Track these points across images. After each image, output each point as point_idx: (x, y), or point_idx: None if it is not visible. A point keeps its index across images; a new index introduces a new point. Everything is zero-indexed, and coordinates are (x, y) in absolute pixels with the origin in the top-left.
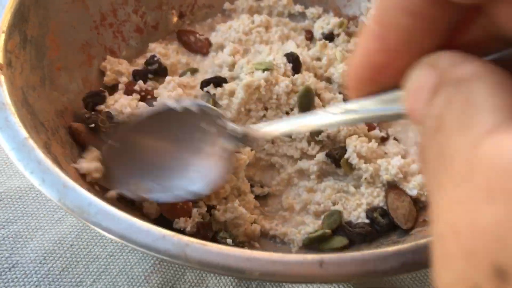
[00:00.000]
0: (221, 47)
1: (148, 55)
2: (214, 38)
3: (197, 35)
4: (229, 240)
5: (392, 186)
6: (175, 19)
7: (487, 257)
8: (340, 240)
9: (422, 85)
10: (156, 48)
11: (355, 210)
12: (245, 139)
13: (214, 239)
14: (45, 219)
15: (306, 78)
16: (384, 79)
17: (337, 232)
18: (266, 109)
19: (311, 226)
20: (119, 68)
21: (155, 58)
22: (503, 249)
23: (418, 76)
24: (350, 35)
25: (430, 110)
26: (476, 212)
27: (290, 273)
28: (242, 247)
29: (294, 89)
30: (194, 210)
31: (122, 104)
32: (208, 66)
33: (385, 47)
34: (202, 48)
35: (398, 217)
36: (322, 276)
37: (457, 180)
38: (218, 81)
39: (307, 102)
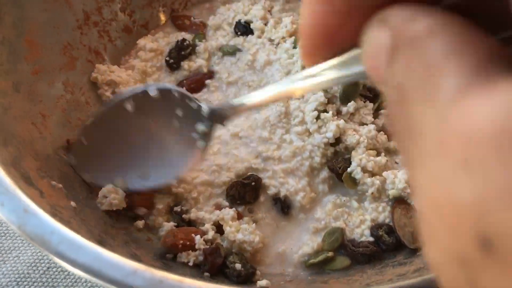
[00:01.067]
0: (218, 28)
1: (139, 52)
2: (212, 20)
3: (192, 18)
4: (238, 265)
5: (399, 201)
6: (166, 17)
7: (471, 229)
8: (342, 261)
9: (378, 47)
10: (147, 45)
11: (359, 227)
12: (217, 118)
13: (224, 265)
14: (20, 238)
15: None
16: (339, 42)
17: (339, 251)
18: None
19: (309, 244)
20: (112, 77)
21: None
22: (485, 218)
23: (372, 37)
24: None
25: (390, 79)
26: (454, 185)
27: None
28: (253, 273)
29: None
30: (197, 238)
31: None
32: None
33: (332, 8)
34: (197, 31)
35: (406, 235)
36: None
37: (431, 155)
38: None
39: None
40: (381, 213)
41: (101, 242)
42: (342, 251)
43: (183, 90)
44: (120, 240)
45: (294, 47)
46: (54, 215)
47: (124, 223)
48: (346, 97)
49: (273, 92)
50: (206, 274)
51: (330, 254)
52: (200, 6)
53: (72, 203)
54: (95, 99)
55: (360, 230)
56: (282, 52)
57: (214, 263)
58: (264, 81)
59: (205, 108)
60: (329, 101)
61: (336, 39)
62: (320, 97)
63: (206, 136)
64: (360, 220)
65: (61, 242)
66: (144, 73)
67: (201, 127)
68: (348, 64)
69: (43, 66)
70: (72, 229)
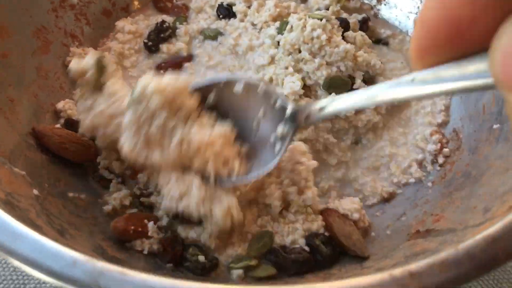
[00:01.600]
0: (201, 11)
1: (117, 34)
2: (195, 3)
3: (174, 1)
4: (201, 257)
5: (327, 210)
6: None
7: None
8: (265, 269)
9: None
10: (125, 27)
11: (291, 234)
12: (302, 120)
13: (183, 258)
14: None
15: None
16: (466, 41)
17: (267, 257)
18: None
19: (239, 249)
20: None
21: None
22: None
23: None
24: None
25: None
26: None
27: None
28: (216, 264)
29: None
30: (150, 225)
31: None
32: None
33: None
34: (179, 13)
35: (356, 244)
36: None
37: None
38: None
39: None
40: (313, 222)
41: (61, 232)
42: (271, 257)
43: (271, 86)
44: (86, 230)
45: (280, 33)
46: (7, 202)
47: (92, 212)
48: (329, 86)
49: (371, 97)
50: (169, 265)
51: (253, 262)
52: None
53: (35, 191)
54: (70, 84)
55: (292, 238)
56: (265, 37)
57: (175, 253)
58: (245, 67)
59: (290, 108)
60: (311, 88)
61: (465, 36)
62: (296, 85)
63: (284, 140)
64: (290, 228)
65: (0, 231)
66: (121, 55)
67: (281, 129)
68: (468, 70)
69: (12, 50)
70: (27, 217)
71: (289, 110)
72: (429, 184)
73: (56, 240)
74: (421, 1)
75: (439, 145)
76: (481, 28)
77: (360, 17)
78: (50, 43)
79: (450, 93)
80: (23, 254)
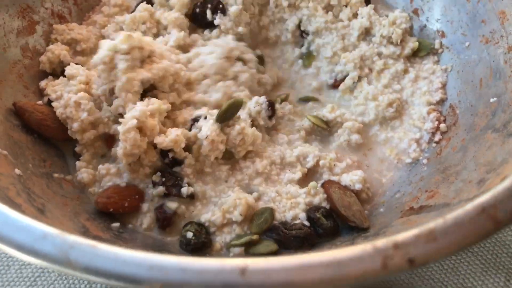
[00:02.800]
0: None
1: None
2: None
3: None
4: (189, 233)
5: (328, 182)
6: None
7: None
8: (266, 245)
9: None
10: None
11: (292, 209)
12: None
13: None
14: None
15: None
16: None
17: (268, 234)
18: None
19: (237, 229)
20: (72, 35)
21: None
22: None
23: None
24: None
25: None
26: None
27: (204, 284)
28: (205, 243)
29: None
30: (145, 206)
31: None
32: None
33: None
34: None
35: (356, 215)
36: (245, 286)
37: None
38: None
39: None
40: (315, 196)
41: (41, 211)
42: (272, 234)
43: None
44: (69, 210)
45: None
46: None
47: (79, 193)
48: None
49: None
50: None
51: (255, 237)
52: None
53: (17, 171)
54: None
55: (293, 213)
56: None
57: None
58: None
59: None
60: None
61: None
62: None
63: None
64: (292, 203)
65: None
66: (105, 28)
67: None
68: None
69: None
70: (6, 195)
71: None
72: (424, 161)
73: (35, 218)
74: None
75: (436, 123)
76: None
77: None
78: (36, 23)
79: None
80: None
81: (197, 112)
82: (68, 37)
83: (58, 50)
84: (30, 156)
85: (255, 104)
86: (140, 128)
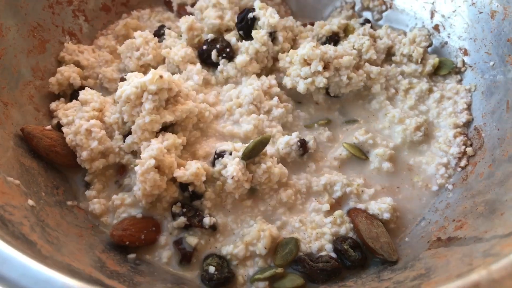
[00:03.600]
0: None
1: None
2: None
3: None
4: (211, 268)
5: (354, 210)
6: None
7: None
8: (292, 279)
9: None
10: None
11: (317, 240)
12: None
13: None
14: None
15: None
16: None
17: (293, 267)
18: None
19: (260, 261)
20: (80, 58)
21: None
22: None
23: None
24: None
25: None
26: None
27: None
28: (228, 278)
29: None
30: (162, 239)
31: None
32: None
33: None
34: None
35: (383, 247)
36: None
37: None
38: None
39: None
40: (341, 225)
41: (57, 247)
42: (297, 267)
43: None
44: (84, 243)
45: None
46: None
47: (92, 221)
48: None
49: None
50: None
51: (279, 270)
52: None
53: (30, 202)
54: None
55: (319, 244)
56: None
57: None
58: None
59: None
60: None
61: None
62: None
63: None
64: (317, 233)
65: None
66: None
67: None
68: None
69: (7, 50)
70: (20, 232)
71: None
72: (450, 187)
73: (52, 256)
74: None
75: (463, 147)
76: None
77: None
78: (46, 42)
79: None
80: (12, 280)
81: (222, 147)
82: (75, 59)
83: (68, 72)
84: (42, 183)
85: (284, 145)
86: (158, 167)
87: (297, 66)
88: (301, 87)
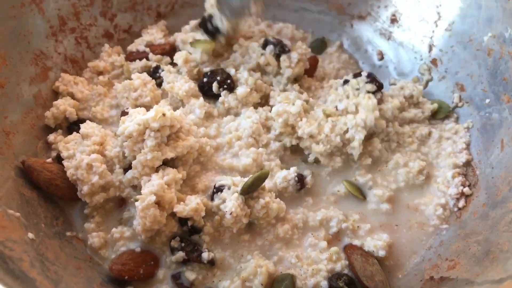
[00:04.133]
0: None
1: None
2: None
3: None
4: None
5: (350, 247)
6: (151, 21)
7: None
8: None
9: None
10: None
11: (314, 277)
12: None
13: None
14: None
15: None
16: None
17: None
18: None
19: None
20: (74, 90)
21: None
22: None
23: None
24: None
25: None
26: None
27: None
28: None
29: None
30: (161, 273)
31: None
32: None
33: None
34: None
35: (378, 286)
36: None
37: None
38: None
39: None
40: (336, 262)
41: (56, 283)
42: None
43: None
44: (82, 276)
45: None
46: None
47: (88, 252)
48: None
49: None
50: None
51: None
52: (187, 10)
53: (30, 235)
54: None
55: (314, 280)
56: None
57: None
58: None
59: None
60: None
61: None
62: None
63: None
64: (313, 270)
65: None
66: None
67: None
68: None
69: (10, 78)
70: (20, 270)
71: None
72: (444, 225)
73: None
74: (436, 26)
75: (461, 188)
76: None
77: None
78: (49, 69)
79: None
80: None
81: (221, 182)
82: (69, 90)
83: (63, 106)
84: (42, 214)
85: (282, 180)
86: (158, 203)
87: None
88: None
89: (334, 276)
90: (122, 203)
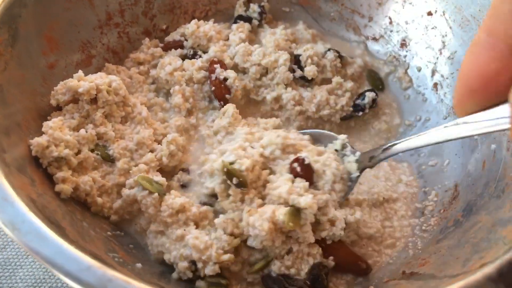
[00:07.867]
0: None
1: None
2: None
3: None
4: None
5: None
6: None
7: None
8: None
9: None
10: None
11: (298, 265)
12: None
13: None
14: None
15: None
16: (494, 89)
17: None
18: None
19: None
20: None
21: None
22: None
23: None
24: None
25: None
26: None
27: None
28: None
29: None
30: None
31: None
32: None
33: (496, 55)
34: None
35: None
36: None
37: None
38: None
39: None
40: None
41: (81, 234)
42: (275, 286)
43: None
44: (102, 237)
45: None
46: (38, 203)
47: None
48: None
49: (428, 139)
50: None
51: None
52: (219, 17)
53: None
54: None
55: (297, 267)
56: None
57: None
58: None
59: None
60: None
61: (493, 86)
62: None
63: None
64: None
65: (29, 232)
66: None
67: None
68: (496, 116)
69: (59, 61)
70: (54, 218)
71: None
72: (425, 234)
73: (77, 241)
74: (440, 53)
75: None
76: (504, 81)
77: None
78: (92, 57)
79: (485, 134)
80: (47, 256)
81: None
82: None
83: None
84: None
85: None
86: None
87: None
88: None
89: (317, 264)
90: None
